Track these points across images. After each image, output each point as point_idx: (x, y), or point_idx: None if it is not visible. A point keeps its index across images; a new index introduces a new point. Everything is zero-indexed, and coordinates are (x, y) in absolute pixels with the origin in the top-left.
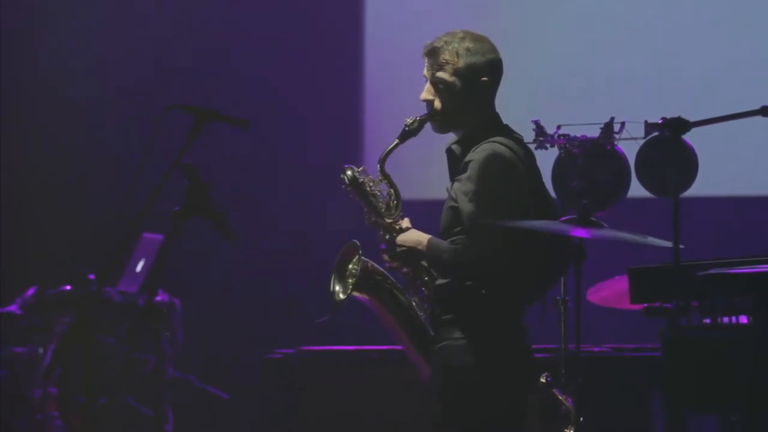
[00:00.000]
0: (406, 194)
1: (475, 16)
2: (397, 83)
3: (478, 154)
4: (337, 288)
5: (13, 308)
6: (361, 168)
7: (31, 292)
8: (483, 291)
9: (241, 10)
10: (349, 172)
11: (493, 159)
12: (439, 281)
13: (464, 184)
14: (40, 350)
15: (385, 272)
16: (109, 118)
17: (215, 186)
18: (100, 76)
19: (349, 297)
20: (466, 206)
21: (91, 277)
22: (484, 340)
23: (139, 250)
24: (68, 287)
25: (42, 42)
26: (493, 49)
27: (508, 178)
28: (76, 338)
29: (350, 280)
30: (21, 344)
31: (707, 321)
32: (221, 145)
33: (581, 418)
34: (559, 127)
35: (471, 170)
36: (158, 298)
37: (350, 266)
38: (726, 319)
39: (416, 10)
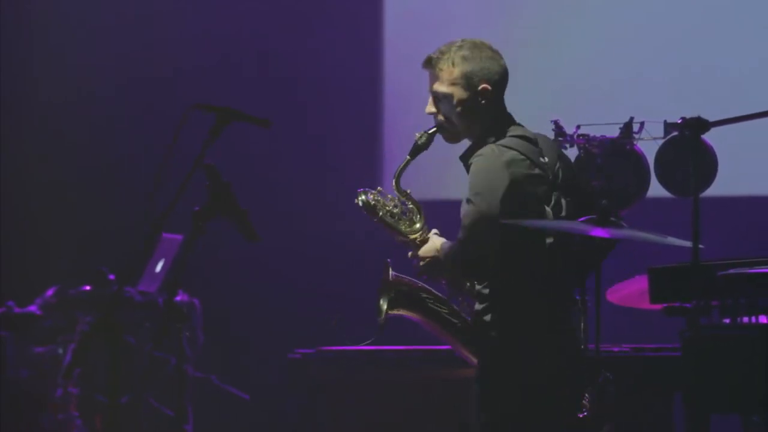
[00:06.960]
0: (429, 195)
1: (495, 16)
2: (417, 83)
3: (475, 157)
4: (381, 309)
5: (32, 308)
6: (377, 189)
7: (50, 292)
8: (516, 292)
9: (253, 8)
10: (362, 197)
11: (486, 161)
12: (477, 285)
13: (467, 188)
14: (60, 350)
15: (425, 286)
16: (109, 118)
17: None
18: (100, 76)
19: (386, 317)
20: (462, 207)
21: (111, 277)
22: (521, 340)
23: (158, 250)
24: (88, 287)
25: (42, 42)
26: (493, 56)
27: (501, 179)
28: (97, 338)
29: (383, 301)
30: (41, 344)
31: (727, 321)
32: (237, 145)
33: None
34: (578, 127)
35: (470, 176)
36: (178, 299)
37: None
38: (746, 319)
39: (437, 10)
